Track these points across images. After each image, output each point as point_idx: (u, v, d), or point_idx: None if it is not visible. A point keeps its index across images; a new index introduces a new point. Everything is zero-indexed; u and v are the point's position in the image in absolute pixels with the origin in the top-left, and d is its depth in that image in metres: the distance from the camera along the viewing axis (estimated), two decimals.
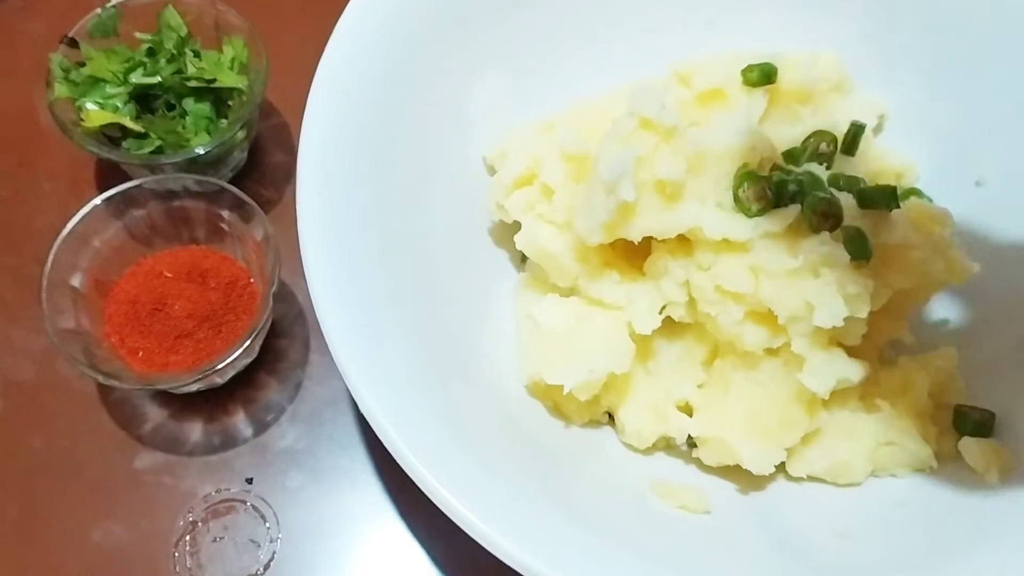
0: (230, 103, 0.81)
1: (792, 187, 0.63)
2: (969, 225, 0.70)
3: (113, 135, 0.78)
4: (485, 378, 0.67)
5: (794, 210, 0.63)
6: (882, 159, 0.76)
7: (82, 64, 0.78)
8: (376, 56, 0.68)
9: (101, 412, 0.76)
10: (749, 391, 0.65)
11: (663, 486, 0.65)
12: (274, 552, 0.71)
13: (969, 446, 0.64)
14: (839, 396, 0.65)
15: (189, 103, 0.79)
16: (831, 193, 0.63)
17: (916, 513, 0.63)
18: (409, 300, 0.64)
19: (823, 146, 0.70)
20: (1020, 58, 0.72)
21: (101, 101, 0.77)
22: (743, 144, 0.64)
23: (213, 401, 0.76)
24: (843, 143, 0.72)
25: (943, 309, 0.72)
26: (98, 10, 0.80)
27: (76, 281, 0.72)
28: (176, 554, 0.71)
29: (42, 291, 0.69)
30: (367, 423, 0.56)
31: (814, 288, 0.61)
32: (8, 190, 0.85)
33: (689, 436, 0.66)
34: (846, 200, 0.63)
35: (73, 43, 0.78)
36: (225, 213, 0.74)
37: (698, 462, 0.67)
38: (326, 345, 0.58)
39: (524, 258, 0.73)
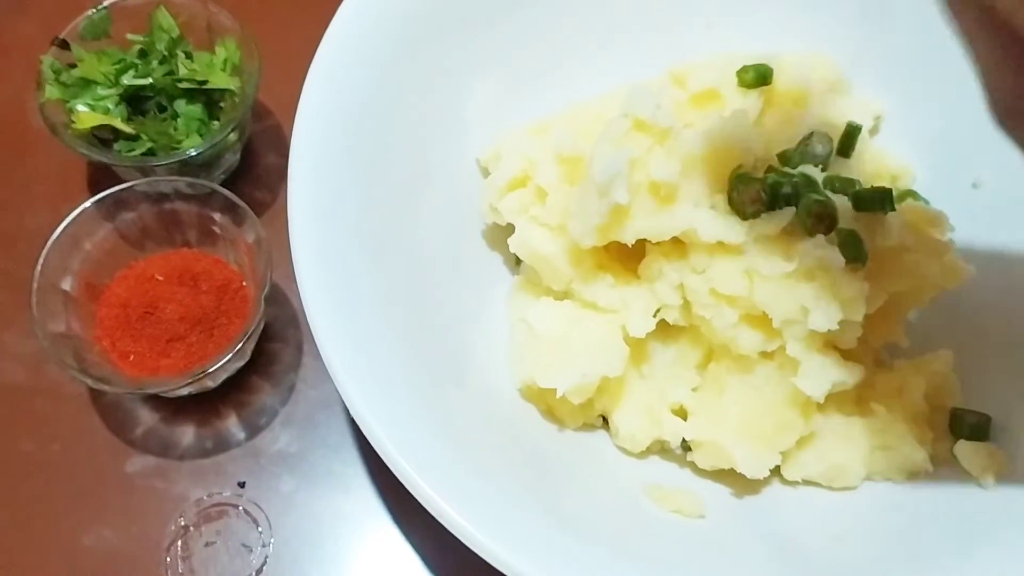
0: (222, 105, 0.80)
1: (787, 189, 0.63)
2: (966, 228, 0.70)
3: (104, 137, 0.78)
4: (478, 382, 0.67)
5: (789, 212, 0.62)
6: (878, 161, 0.76)
7: (73, 66, 0.78)
8: (369, 58, 0.67)
9: (92, 416, 0.75)
10: (744, 395, 0.64)
11: (657, 490, 0.64)
12: (266, 556, 0.71)
13: (965, 449, 0.64)
14: (834, 400, 0.65)
15: (181, 105, 0.79)
16: (826, 195, 0.63)
17: (911, 517, 0.63)
18: (401, 303, 0.64)
19: (818, 148, 0.69)
20: None
21: (92, 103, 0.77)
22: (738, 146, 0.64)
23: (205, 405, 0.76)
24: (839, 145, 0.71)
25: (939, 312, 0.72)
26: (89, 11, 0.79)
27: (67, 284, 0.71)
28: (168, 559, 0.70)
29: (32, 295, 0.69)
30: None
31: (809, 291, 0.61)
32: None
33: (683, 440, 0.66)
34: (841, 202, 0.63)
35: (64, 45, 0.78)
36: (217, 216, 0.74)
37: (692, 466, 0.66)
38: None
39: (519, 261, 0.72)
